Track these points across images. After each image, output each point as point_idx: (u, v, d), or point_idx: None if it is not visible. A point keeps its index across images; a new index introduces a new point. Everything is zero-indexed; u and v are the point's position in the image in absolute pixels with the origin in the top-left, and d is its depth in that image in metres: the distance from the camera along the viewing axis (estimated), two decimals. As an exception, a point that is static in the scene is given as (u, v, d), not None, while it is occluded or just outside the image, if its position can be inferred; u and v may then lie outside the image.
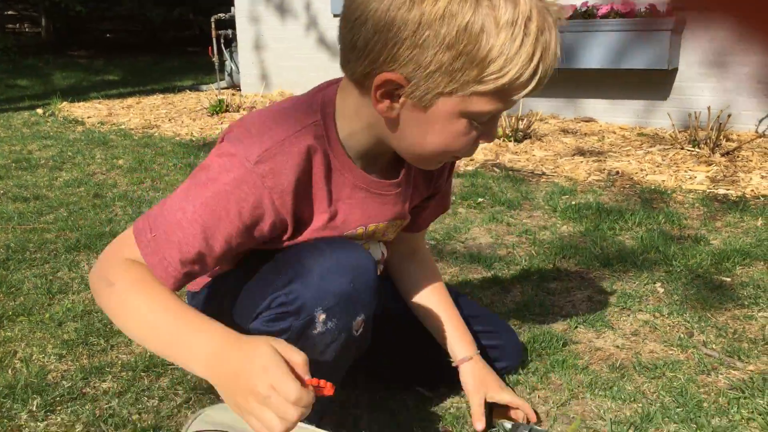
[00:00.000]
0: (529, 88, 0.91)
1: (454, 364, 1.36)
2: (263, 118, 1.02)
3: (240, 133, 1.00)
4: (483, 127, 0.97)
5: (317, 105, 1.04)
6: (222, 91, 6.25)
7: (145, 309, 0.92)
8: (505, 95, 0.91)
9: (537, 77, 0.90)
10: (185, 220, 0.95)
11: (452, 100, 0.91)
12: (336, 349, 1.05)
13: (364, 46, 0.90)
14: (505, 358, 1.47)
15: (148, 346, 0.96)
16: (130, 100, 6.57)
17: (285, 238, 1.07)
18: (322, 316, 1.00)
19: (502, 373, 1.47)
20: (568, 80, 4.80)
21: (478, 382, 1.33)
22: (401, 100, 0.93)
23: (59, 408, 1.39)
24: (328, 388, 0.82)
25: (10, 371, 1.53)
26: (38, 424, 1.33)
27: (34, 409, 1.38)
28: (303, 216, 1.05)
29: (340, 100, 1.03)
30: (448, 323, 1.37)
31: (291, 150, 0.98)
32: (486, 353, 1.42)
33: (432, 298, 1.39)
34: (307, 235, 1.07)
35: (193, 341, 0.88)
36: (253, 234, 1.00)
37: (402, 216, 1.19)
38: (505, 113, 4.44)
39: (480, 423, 1.28)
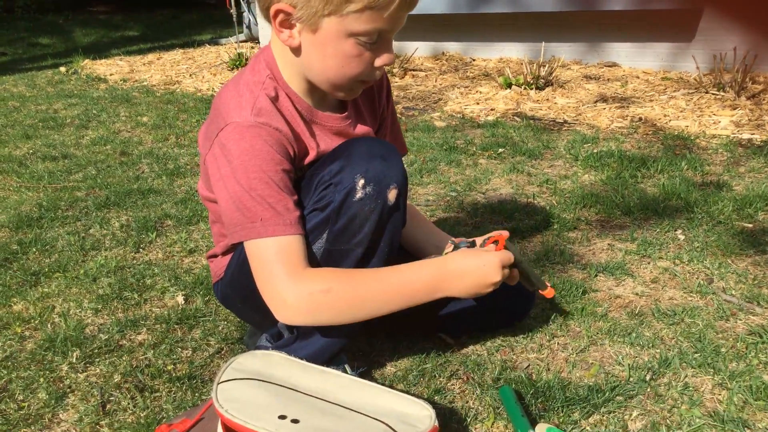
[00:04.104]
0: (396, 3, 1.02)
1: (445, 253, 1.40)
2: (227, 96, 1.15)
3: (218, 118, 1.13)
4: (374, 47, 1.09)
5: (262, 65, 1.17)
6: (241, 44, 6.23)
7: (372, 283, 1.12)
8: (378, 12, 1.03)
9: None
10: (255, 191, 1.08)
11: (333, 21, 1.04)
12: (375, 220, 1.12)
13: None
14: (520, 301, 1.48)
15: (391, 306, 1.13)
16: (150, 56, 6.57)
17: (304, 163, 1.21)
18: (361, 182, 1.10)
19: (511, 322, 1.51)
20: (591, 23, 4.71)
21: None
22: (296, 26, 1.08)
23: (98, 359, 1.46)
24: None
25: (49, 325, 1.60)
26: (79, 375, 1.40)
27: (74, 361, 1.45)
28: (302, 147, 1.19)
29: (275, 53, 1.17)
30: (433, 233, 1.48)
31: (266, 102, 1.13)
32: (495, 303, 1.44)
33: (414, 223, 1.47)
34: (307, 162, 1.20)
35: (423, 276, 1.13)
36: (291, 157, 1.14)
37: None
38: (526, 59, 4.39)
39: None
